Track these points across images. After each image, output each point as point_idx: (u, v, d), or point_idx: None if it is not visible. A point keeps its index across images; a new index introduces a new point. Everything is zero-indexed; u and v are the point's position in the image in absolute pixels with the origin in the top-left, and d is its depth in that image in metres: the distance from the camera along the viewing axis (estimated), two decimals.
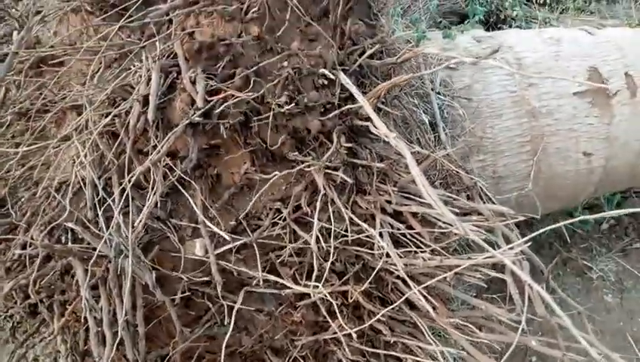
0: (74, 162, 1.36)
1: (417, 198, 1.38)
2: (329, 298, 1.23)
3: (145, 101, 1.20)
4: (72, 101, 1.42)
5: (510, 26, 3.60)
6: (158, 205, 1.21)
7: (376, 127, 1.05)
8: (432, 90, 1.79)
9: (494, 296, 1.73)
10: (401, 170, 1.40)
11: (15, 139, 1.55)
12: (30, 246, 1.24)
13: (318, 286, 1.21)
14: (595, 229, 2.97)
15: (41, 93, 1.51)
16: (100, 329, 1.12)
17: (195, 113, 1.16)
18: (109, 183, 1.33)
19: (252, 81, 1.23)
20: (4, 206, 1.34)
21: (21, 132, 1.56)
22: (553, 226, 1.11)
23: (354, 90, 1.14)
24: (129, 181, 1.15)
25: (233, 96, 1.17)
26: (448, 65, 1.77)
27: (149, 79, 1.20)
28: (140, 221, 1.12)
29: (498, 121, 1.88)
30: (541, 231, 1.18)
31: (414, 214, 1.36)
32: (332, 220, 1.28)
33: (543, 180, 1.97)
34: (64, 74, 1.53)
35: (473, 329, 1.35)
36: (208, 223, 1.19)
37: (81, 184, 1.33)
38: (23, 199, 1.30)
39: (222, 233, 1.16)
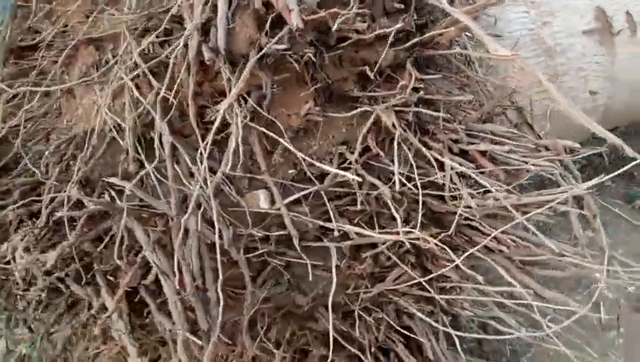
0: (100, 107, 1.14)
1: (485, 136, 1.31)
2: (422, 242, 1.14)
3: (203, 29, 1.01)
4: (86, 34, 1.17)
5: None
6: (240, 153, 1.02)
7: (492, 49, 0.95)
8: None
9: None
10: (467, 107, 1.32)
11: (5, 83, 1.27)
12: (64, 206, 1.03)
13: (412, 232, 1.11)
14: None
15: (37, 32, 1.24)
16: (178, 296, 0.95)
17: (268, 41, 0.99)
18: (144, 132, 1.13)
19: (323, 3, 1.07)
20: (19, 163, 1.09)
21: (10, 75, 1.29)
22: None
23: (447, 6, 1.02)
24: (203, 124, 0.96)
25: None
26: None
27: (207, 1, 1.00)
28: (222, 169, 0.95)
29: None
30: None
31: (483, 153, 1.29)
32: (412, 162, 1.18)
33: (556, 120, 1.98)
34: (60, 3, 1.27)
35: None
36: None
37: (114, 132, 1.11)
38: (47, 153, 1.06)
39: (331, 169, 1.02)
